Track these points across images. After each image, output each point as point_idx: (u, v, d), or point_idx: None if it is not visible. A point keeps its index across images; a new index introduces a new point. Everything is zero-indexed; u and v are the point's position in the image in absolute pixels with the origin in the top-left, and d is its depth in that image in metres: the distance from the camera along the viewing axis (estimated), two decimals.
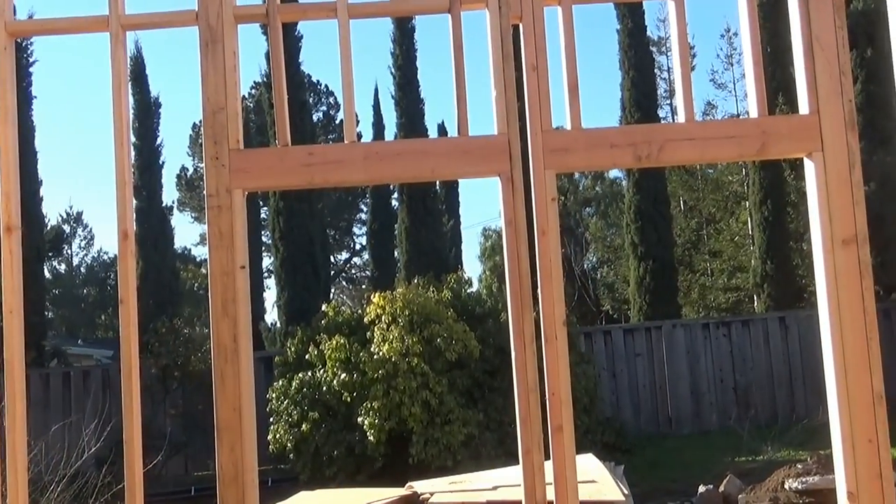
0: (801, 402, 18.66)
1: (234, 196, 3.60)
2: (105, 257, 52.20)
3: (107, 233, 66.41)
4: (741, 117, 3.44)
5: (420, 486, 9.36)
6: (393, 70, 26.57)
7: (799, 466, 10.40)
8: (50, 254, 41.34)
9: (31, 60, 24.43)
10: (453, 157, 3.70)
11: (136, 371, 3.62)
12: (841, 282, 3.58)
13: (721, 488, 10.68)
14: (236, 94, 3.63)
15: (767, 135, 3.67)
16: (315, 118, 40.87)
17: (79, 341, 41.64)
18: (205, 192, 3.61)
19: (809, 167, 3.66)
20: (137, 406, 3.61)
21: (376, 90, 30.15)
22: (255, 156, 3.71)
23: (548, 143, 3.66)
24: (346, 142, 3.75)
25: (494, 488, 8.16)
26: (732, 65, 37.88)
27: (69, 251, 53.79)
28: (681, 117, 3.77)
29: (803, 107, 3.69)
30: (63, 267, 53.45)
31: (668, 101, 38.44)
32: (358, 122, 42.47)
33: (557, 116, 3.75)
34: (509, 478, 8.47)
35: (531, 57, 3.68)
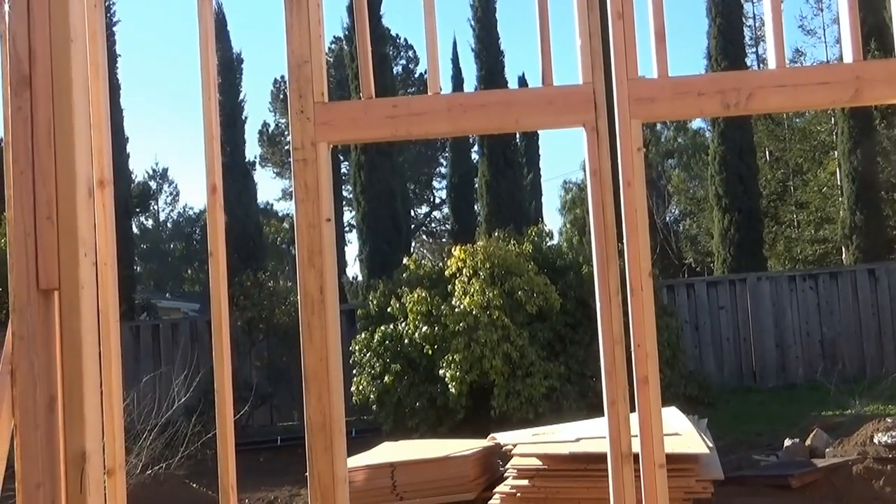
0: (890, 355, 18.25)
1: (320, 149, 3.63)
2: (190, 212, 53.25)
3: (192, 189, 67.70)
4: (833, 63, 3.34)
5: (503, 437, 9.42)
6: (472, 22, 26.37)
7: (888, 420, 10.18)
8: (137, 209, 42.31)
9: (114, 20, 24.87)
10: (537, 107, 3.68)
11: (226, 321, 3.69)
12: None
13: (808, 442, 10.53)
14: (321, 46, 3.65)
15: (862, 80, 3.56)
16: (394, 72, 40.85)
17: (167, 295, 42.69)
18: (290, 145, 3.64)
19: None
20: (228, 355, 3.69)
21: (455, 43, 29.96)
22: (339, 109, 3.73)
23: (633, 91, 3.60)
24: (429, 93, 3.74)
25: (577, 440, 8.18)
26: (822, 10, 36.74)
27: (156, 207, 55.04)
28: (771, 64, 3.68)
29: None
30: (150, 222, 54.73)
31: (754, 50, 37.54)
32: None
33: (643, 65, 3.68)
34: (591, 430, 8.47)
35: (617, 4, 3.63)
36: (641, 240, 3.58)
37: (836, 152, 26.44)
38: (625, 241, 3.59)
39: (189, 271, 49.29)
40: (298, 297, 3.64)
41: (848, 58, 3.63)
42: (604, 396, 3.62)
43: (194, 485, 11.36)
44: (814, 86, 3.60)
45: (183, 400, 12.24)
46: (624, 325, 3.61)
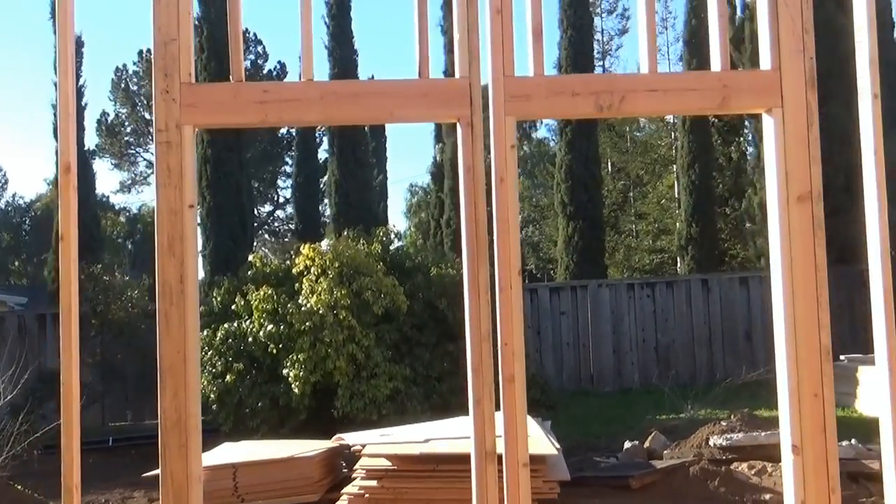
0: (719, 362, 19.06)
1: (185, 132, 3.46)
2: (20, 202, 50.88)
3: (23, 177, 64.66)
4: (703, 71, 3.42)
5: (350, 438, 9.33)
6: (326, 20, 26.17)
7: (723, 424, 10.58)
8: None
9: None
10: (413, 99, 3.61)
11: (76, 309, 3.50)
12: (794, 238, 3.59)
13: (646, 444, 10.83)
14: (189, 24, 3.48)
15: (729, 89, 3.64)
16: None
17: None
18: (154, 126, 3.47)
19: (768, 123, 3.65)
20: (76, 345, 3.51)
21: None
22: (206, 91, 3.57)
23: (509, 88, 3.58)
24: (302, 79, 3.63)
25: (426, 441, 8.15)
26: (667, 28, 38.18)
27: None
28: (644, 68, 3.72)
29: (765, 63, 3.67)
30: None
31: (601, 63, 38.63)
32: (287, 73, 41.72)
33: (518, 63, 3.67)
34: (440, 431, 8.48)
35: (496, 0, 3.60)
36: (512, 237, 3.56)
37: (675, 166, 27.46)
38: (495, 237, 3.57)
39: (17, 263, 47.15)
40: (156, 286, 3.47)
41: (716, 66, 3.72)
42: (469, 394, 3.58)
43: (19, 486, 10.80)
44: (683, 91, 3.67)
45: (9, 398, 11.63)
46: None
